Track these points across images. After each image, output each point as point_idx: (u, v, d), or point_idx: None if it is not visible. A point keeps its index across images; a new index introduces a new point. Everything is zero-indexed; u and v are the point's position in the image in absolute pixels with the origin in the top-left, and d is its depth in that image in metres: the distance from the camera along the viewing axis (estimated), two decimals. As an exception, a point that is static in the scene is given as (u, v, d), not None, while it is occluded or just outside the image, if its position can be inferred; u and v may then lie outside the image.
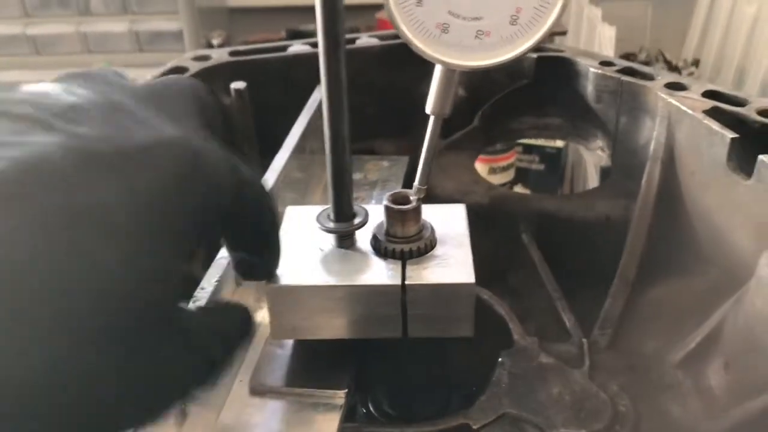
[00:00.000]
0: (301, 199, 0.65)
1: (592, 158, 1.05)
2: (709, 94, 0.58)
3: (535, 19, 0.39)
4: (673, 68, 1.47)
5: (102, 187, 0.25)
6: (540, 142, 1.23)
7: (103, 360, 0.25)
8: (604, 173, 1.19)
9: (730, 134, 0.52)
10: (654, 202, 0.58)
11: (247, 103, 0.63)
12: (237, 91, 0.63)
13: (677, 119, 0.57)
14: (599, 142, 0.69)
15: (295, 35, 1.74)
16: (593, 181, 1.18)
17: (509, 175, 1.22)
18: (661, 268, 0.56)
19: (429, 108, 0.43)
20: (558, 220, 0.65)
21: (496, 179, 1.19)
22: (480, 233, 0.49)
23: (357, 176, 0.70)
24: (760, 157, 0.49)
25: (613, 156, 0.65)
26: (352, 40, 0.73)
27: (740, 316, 0.47)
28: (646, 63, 1.48)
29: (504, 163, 1.21)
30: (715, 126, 0.53)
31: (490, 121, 0.71)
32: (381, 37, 0.73)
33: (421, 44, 0.40)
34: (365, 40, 0.73)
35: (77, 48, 1.52)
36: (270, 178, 0.64)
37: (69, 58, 1.52)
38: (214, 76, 0.67)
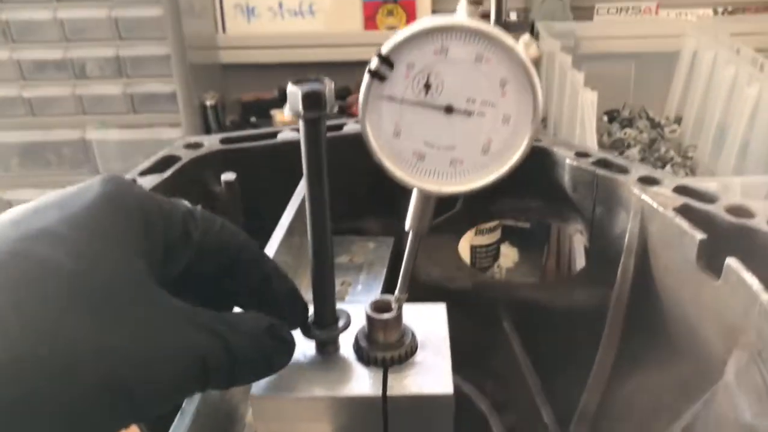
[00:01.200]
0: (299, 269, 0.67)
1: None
2: (680, 190, 0.61)
3: (506, 150, 0.41)
4: (655, 125, 1.50)
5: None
6: (526, 203, 1.25)
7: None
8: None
9: (700, 235, 0.54)
10: (629, 295, 0.60)
11: (237, 194, 0.65)
12: (227, 183, 0.65)
13: (650, 215, 0.59)
14: (578, 225, 0.71)
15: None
16: (579, 241, 1.21)
17: (496, 236, 1.24)
18: (637, 360, 0.58)
19: (407, 225, 0.45)
20: (537, 308, 0.67)
21: (483, 240, 1.20)
22: (463, 318, 0.51)
23: (343, 259, 0.72)
24: (728, 260, 0.51)
25: (590, 243, 0.67)
26: (339, 127, 0.75)
27: (710, 418, 0.49)
28: (630, 120, 1.52)
29: (491, 224, 1.23)
30: (684, 225, 0.56)
31: (472, 204, 0.73)
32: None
33: (399, 172, 0.42)
34: (351, 126, 0.75)
35: (72, 110, 1.55)
36: (271, 247, 0.65)
37: (64, 119, 1.55)
38: (206, 164, 0.69)
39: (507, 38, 0.39)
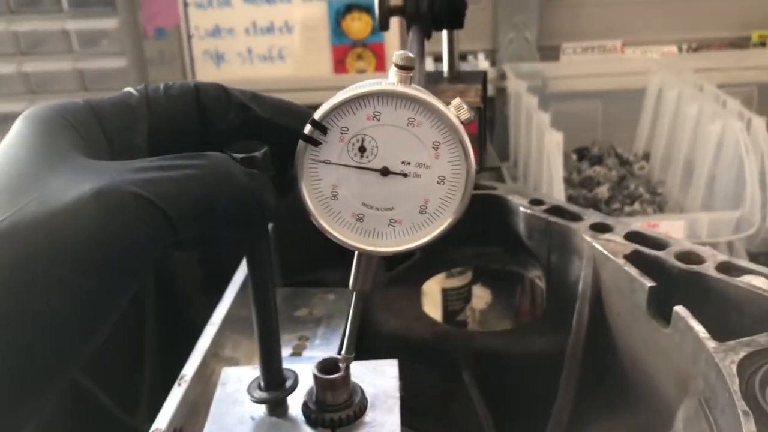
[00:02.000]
0: (247, 341, 0.66)
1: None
2: (632, 236, 0.61)
3: (442, 209, 0.42)
4: (624, 162, 1.52)
5: None
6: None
7: None
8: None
9: (649, 282, 0.55)
10: (584, 342, 0.60)
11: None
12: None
13: (601, 262, 0.60)
14: (537, 272, 0.71)
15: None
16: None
17: (467, 278, 1.24)
18: (593, 407, 0.58)
19: (351, 285, 0.45)
20: (497, 357, 0.67)
21: (454, 282, 1.20)
22: (422, 369, 0.51)
23: (302, 312, 0.72)
24: (675, 308, 0.52)
25: (547, 290, 0.68)
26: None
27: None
28: (599, 157, 1.53)
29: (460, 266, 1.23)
30: (634, 272, 0.56)
31: (431, 252, 0.74)
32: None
33: (338, 234, 0.42)
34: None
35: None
36: (216, 317, 0.65)
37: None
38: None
39: (437, 103, 0.40)
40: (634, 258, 0.58)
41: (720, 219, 1.21)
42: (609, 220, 0.64)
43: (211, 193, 0.35)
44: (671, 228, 1.19)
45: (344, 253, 0.77)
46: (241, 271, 0.70)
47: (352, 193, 0.41)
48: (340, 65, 1.77)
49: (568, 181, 1.42)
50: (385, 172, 0.41)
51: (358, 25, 1.75)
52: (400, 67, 0.40)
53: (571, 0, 1.73)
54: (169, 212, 0.32)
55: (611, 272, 0.59)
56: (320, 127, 0.40)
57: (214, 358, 0.60)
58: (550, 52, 1.73)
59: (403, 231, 0.42)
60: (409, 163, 0.41)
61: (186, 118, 0.40)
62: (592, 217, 0.64)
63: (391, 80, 0.40)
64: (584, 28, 1.75)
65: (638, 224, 1.22)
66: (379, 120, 0.40)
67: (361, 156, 0.41)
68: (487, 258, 0.75)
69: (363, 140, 0.41)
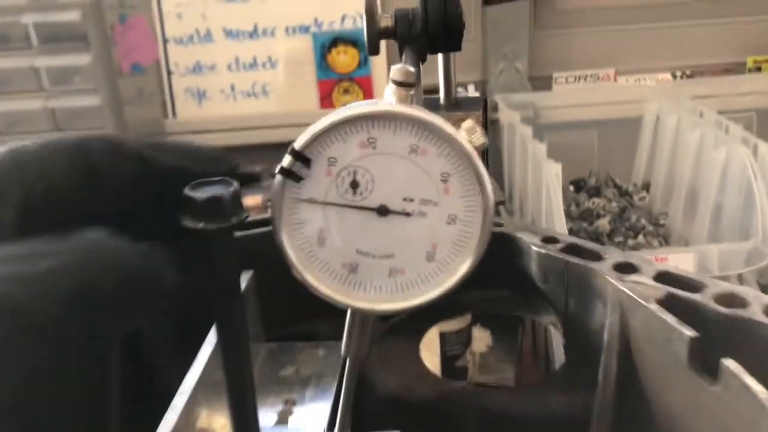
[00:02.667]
0: (225, 408, 0.58)
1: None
2: (662, 277, 0.54)
3: (454, 255, 0.34)
4: (623, 193, 1.46)
5: None
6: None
7: None
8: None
9: (689, 332, 0.47)
10: (613, 400, 0.53)
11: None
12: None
13: (630, 308, 0.52)
14: (551, 318, 0.64)
15: (241, 177, 1.69)
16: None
17: (466, 320, 1.16)
18: (627, 478, 0.50)
19: (344, 350, 0.38)
20: (510, 418, 0.59)
21: (453, 326, 1.12)
22: None
23: (288, 371, 0.63)
24: (724, 362, 0.44)
25: (565, 340, 0.60)
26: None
27: None
28: (597, 188, 1.47)
29: (459, 308, 1.15)
30: (671, 320, 0.48)
31: (433, 299, 0.66)
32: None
33: (326, 289, 0.34)
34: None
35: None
36: (187, 384, 0.57)
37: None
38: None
39: (445, 125, 0.32)
40: (668, 303, 0.51)
41: (730, 251, 1.15)
42: (633, 259, 0.56)
43: (86, 283, 0.28)
44: (680, 261, 1.12)
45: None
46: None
47: (344, 238, 0.34)
48: (326, 100, 1.70)
49: (566, 214, 1.35)
50: (383, 211, 0.34)
51: (344, 58, 1.69)
52: (399, 83, 0.33)
53: (562, 29, 1.68)
54: (36, 318, 0.26)
55: (643, 320, 0.51)
56: (302, 158, 0.33)
57: (187, 432, 0.52)
58: (541, 82, 1.68)
59: (407, 283, 0.35)
60: (412, 200, 0.34)
61: (67, 180, 0.33)
62: (613, 255, 0.57)
63: (388, 99, 0.33)
64: (576, 56, 1.70)
65: (650, 258, 1.16)
66: (374, 148, 0.33)
67: (354, 193, 0.33)
68: (496, 303, 0.67)
69: (355, 173, 0.33)
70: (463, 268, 0.34)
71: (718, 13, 1.67)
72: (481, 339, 1.26)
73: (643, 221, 1.34)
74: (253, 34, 1.66)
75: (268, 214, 0.34)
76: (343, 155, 0.33)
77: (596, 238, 1.29)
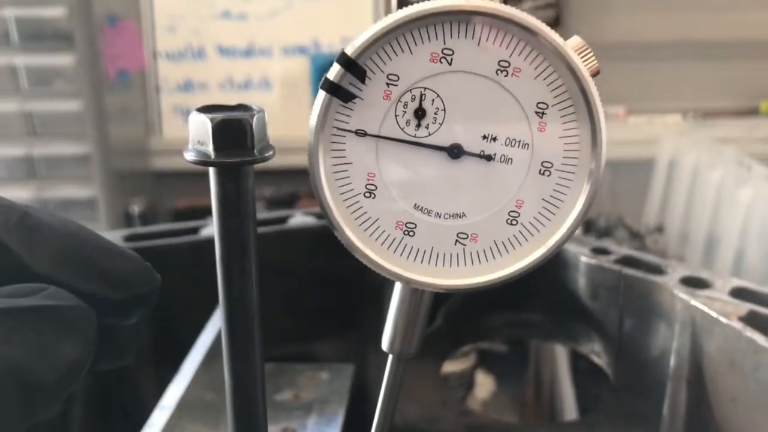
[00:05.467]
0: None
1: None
2: (740, 293, 0.45)
3: (545, 218, 0.26)
4: (634, 235, 1.38)
5: None
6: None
7: None
8: (576, 355, 1.05)
9: (789, 355, 0.38)
10: (684, 438, 0.44)
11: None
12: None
13: (705, 329, 0.44)
14: (594, 345, 0.55)
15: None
16: (563, 367, 1.05)
17: (470, 360, 1.07)
18: None
19: (386, 344, 0.29)
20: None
21: (455, 366, 1.03)
22: None
23: (286, 395, 0.54)
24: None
25: (616, 369, 0.51)
26: (283, 219, 0.59)
27: None
28: (606, 229, 1.39)
29: (464, 347, 1.06)
30: (761, 340, 0.40)
31: (456, 318, 0.57)
32: (319, 215, 0.59)
33: (372, 253, 0.26)
34: (300, 219, 0.59)
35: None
36: (168, 399, 0.48)
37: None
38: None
39: (552, 34, 0.24)
40: (752, 321, 0.42)
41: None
42: (703, 273, 0.48)
43: None
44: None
45: (343, 318, 0.61)
46: (207, 336, 0.53)
47: (400, 187, 0.25)
48: (321, 126, 1.63)
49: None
50: (455, 153, 0.25)
51: (342, 83, 1.63)
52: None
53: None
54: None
55: (722, 341, 0.43)
56: (355, 68, 0.24)
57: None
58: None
59: (479, 252, 0.26)
60: (494, 139, 0.25)
61: None
62: (678, 269, 0.49)
63: (472, -3, 0.24)
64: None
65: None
66: (450, 63, 0.24)
67: (418, 125, 0.25)
68: (525, 327, 0.58)
69: (422, 98, 0.25)
70: (555, 237, 0.25)
71: (731, 55, 1.63)
72: (485, 384, 1.17)
73: (657, 265, 1.27)
74: (248, 52, 1.58)
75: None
76: (407, 72, 0.24)
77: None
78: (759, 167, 1.20)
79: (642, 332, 0.49)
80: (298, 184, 1.57)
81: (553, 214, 0.26)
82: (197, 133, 0.24)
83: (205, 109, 0.25)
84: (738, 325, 0.42)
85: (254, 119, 0.24)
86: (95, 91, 1.29)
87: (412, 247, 0.26)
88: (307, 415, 0.51)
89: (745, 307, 0.44)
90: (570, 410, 1.01)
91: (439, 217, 0.26)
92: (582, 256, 0.51)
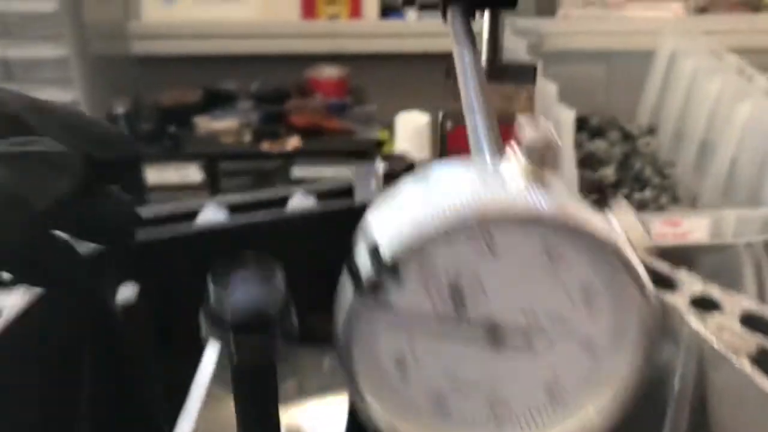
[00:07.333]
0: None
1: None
2: (748, 321, 0.45)
3: (582, 391, 0.25)
4: (627, 136, 1.36)
5: None
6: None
7: None
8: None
9: (796, 408, 0.39)
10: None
11: (141, 318, 0.47)
12: (125, 308, 0.46)
13: (712, 360, 0.44)
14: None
15: (213, 96, 1.55)
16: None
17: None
18: None
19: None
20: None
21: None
22: None
23: (287, 384, 0.55)
24: None
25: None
26: (283, 200, 0.57)
27: None
28: (599, 129, 1.37)
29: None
30: (769, 387, 0.40)
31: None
32: (319, 194, 0.57)
33: (404, 424, 0.25)
34: (300, 200, 0.57)
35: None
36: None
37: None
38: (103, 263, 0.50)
39: (600, 224, 0.22)
40: (759, 357, 0.42)
41: (747, 217, 1.07)
42: (714, 292, 0.47)
43: None
44: (694, 227, 1.05)
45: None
46: (213, 354, 0.52)
47: (433, 361, 0.24)
48: (309, 9, 1.54)
49: (567, 158, 1.26)
50: (494, 333, 0.24)
51: (331, -37, 1.53)
52: (532, 153, 0.22)
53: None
54: None
55: (728, 378, 0.43)
56: (393, 270, 0.22)
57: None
58: (546, 5, 1.54)
59: (511, 420, 0.25)
60: (534, 314, 0.23)
61: None
62: (688, 282, 0.48)
63: (511, 180, 0.22)
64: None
65: (659, 222, 1.07)
66: (492, 252, 0.22)
67: (455, 305, 0.23)
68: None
69: (460, 280, 0.23)
70: (592, 409, 0.25)
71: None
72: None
73: (649, 171, 1.26)
74: None
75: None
76: (448, 263, 0.22)
77: (600, 188, 1.21)
78: (761, 79, 1.17)
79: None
80: (284, 73, 1.52)
81: (591, 388, 0.25)
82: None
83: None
84: (747, 367, 0.42)
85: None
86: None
87: (441, 415, 0.25)
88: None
89: (754, 341, 0.43)
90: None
91: (472, 387, 0.25)
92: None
